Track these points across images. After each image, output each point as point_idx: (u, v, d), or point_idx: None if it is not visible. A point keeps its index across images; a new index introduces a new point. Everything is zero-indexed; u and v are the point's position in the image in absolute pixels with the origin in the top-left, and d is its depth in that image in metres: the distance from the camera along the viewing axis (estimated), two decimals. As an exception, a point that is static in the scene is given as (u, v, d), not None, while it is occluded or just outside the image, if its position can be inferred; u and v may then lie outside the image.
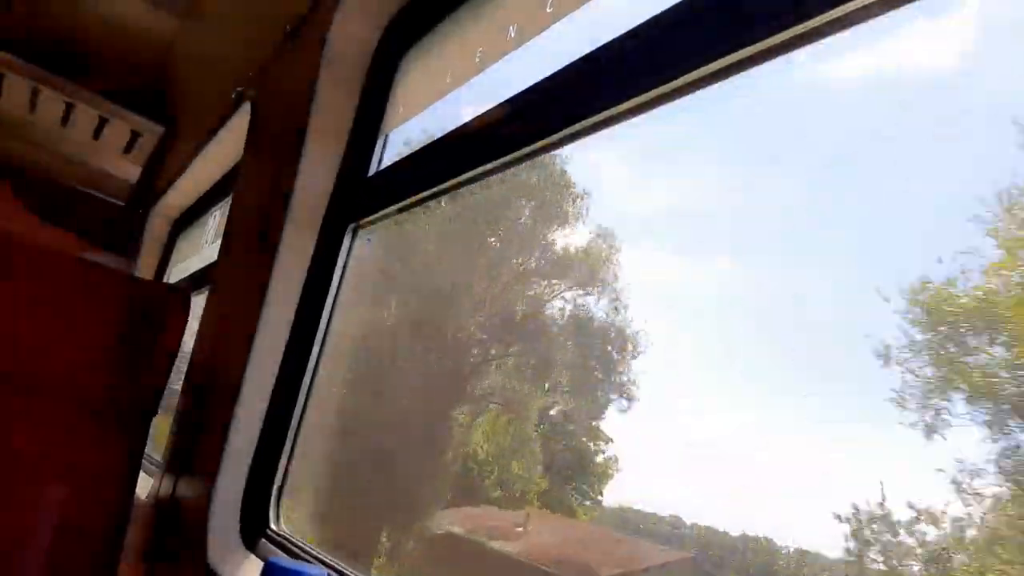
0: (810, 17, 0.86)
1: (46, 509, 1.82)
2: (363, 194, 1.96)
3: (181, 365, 2.18)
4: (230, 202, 2.71)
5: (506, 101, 1.53)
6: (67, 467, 1.84)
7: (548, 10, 1.41)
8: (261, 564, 1.70)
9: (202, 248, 3.85)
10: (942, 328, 1.60)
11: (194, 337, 2.38)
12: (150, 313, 1.95)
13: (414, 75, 1.97)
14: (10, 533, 1.76)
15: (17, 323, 1.81)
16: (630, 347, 4.50)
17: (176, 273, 4.40)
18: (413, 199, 1.78)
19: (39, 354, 1.83)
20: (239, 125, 2.90)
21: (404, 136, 1.90)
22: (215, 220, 3.72)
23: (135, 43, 3.82)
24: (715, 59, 0.97)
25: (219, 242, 2.79)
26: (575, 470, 4.63)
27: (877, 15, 0.81)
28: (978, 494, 1.50)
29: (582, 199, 5.35)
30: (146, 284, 2.28)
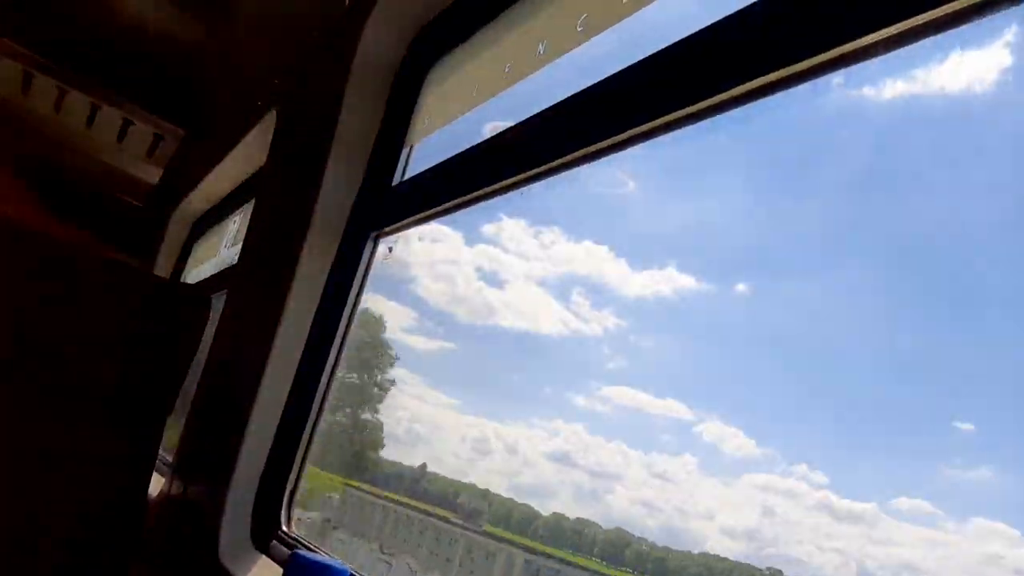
0: (844, 42, 0.88)
1: (59, 503, 1.84)
2: (386, 203, 1.98)
3: (195, 366, 2.20)
4: (251, 206, 2.74)
5: (531, 117, 1.55)
6: (81, 461, 1.85)
7: (579, 28, 1.43)
8: (272, 564, 1.72)
9: (221, 251, 3.89)
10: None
11: (211, 339, 2.40)
12: (170, 313, 1.97)
13: (441, 87, 2.00)
14: (24, 525, 1.77)
15: (37, 317, 1.83)
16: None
17: (192, 277, 4.43)
18: (436, 209, 1.81)
19: (57, 348, 1.85)
20: (263, 132, 2.94)
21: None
22: (235, 224, 3.75)
23: (163, 48, 3.88)
24: (746, 80, 0.99)
25: (239, 246, 2.82)
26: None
27: (912, 42, 0.83)
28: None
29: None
30: (167, 284, 2.31)
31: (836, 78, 0.92)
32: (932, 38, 0.82)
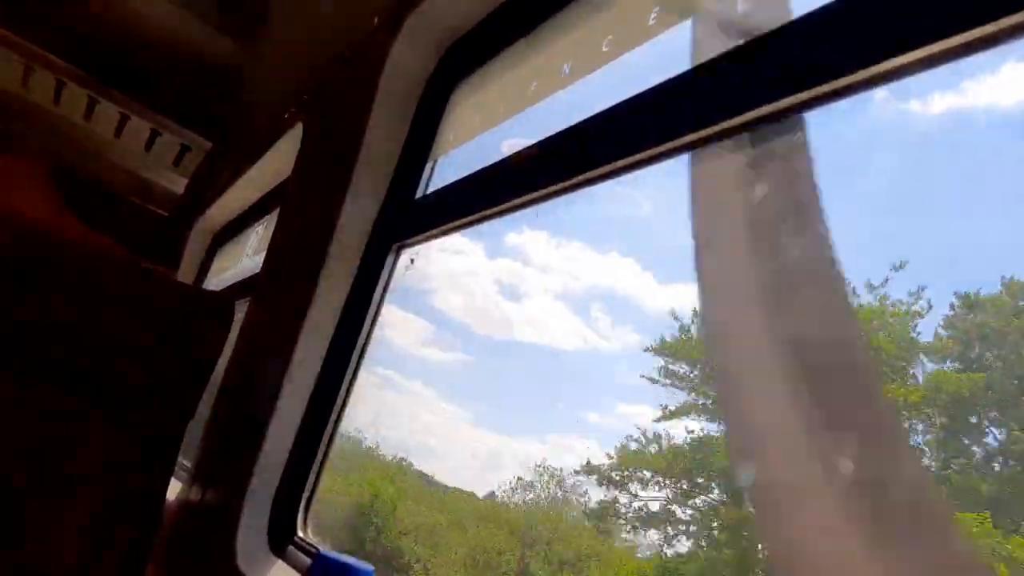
0: (892, 56, 0.87)
1: (77, 505, 1.85)
2: (409, 216, 2.01)
3: (216, 373, 2.22)
4: (275, 217, 2.78)
5: (553, 135, 1.57)
6: (100, 464, 1.87)
7: (604, 49, 1.46)
8: (289, 570, 1.73)
9: (242, 261, 3.93)
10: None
11: (232, 346, 2.43)
12: (195, 318, 2.00)
13: (466, 104, 2.04)
14: (40, 527, 1.79)
15: (60, 318, 1.86)
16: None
17: (213, 285, 4.48)
18: (458, 223, 1.83)
19: (79, 350, 1.87)
20: (289, 145, 2.99)
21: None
22: (258, 234, 3.80)
23: (192, 61, 3.95)
24: (777, 99, 1.00)
25: (261, 256, 2.86)
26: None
27: (963, 57, 0.82)
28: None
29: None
30: (192, 289, 2.34)
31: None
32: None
